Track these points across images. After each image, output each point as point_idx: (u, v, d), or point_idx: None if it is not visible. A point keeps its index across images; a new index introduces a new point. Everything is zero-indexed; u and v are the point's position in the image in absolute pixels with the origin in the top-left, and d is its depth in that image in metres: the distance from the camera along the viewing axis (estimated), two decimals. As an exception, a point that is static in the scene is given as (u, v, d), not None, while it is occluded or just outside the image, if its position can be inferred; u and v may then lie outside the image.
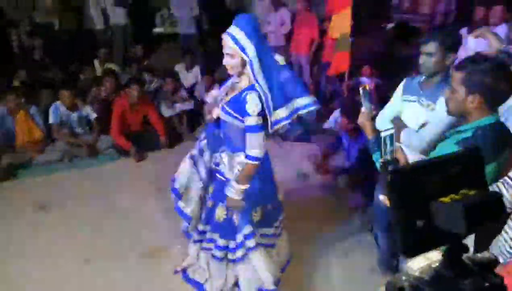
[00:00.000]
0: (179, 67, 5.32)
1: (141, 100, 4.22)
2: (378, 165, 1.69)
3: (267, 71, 1.95)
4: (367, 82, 4.68)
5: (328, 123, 4.45)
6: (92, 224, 3.11)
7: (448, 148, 1.48)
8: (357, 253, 2.89)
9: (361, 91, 1.85)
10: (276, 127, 2.02)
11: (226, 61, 1.96)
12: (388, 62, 5.73)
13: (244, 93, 1.95)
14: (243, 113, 1.95)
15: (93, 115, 4.23)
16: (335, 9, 4.46)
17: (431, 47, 1.92)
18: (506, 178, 1.45)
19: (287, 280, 2.60)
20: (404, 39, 6.32)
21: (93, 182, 3.74)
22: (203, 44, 6.07)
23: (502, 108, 1.55)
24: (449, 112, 1.59)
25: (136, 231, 3.01)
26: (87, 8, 5.84)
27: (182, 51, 5.56)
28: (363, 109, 1.86)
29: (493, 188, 1.43)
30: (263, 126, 1.97)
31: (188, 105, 4.70)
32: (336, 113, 4.32)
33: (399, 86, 2.21)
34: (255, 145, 1.98)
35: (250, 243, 2.16)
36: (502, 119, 1.57)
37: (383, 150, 1.51)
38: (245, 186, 2.06)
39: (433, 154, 1.61)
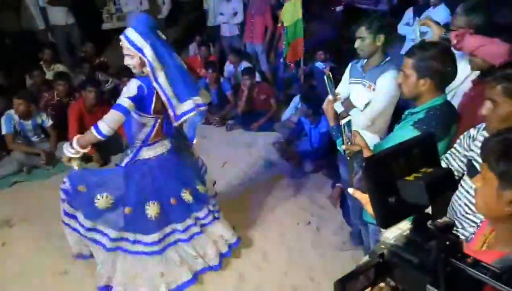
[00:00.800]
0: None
1: (98, 102, 4.10)
2: (341, 150, 1.84)
3: (168, 70, 2.08)
4: (321, 67, 4.86)
5: (287, 113, 4.57)
6: (61, 235, 3.00)
7: (406, 129, 1.64)
8: (327, 230, 3.06)
9: (325, 79, 1.99)
10: (182, 119, 2.18)
11: (126, 61, 2.10)
12: (340, 45, 5.95)
13: None
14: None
15: (49, 122, 4.05)
16: None
17: (361, 32, 2.12)
18: (452, 149, 1.64)
19: (262, 263, 2.73)
20: (354, 21, 6.60)
21: (56, 191, 3.59)
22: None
23: (447, 88, 1.73)
24: (403, 95, 1.75)
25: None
26: (25, 7, 5.49)
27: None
28: (329, 97, 2.00)
29: (442, 159, 1.62)
30: (127, 111, 2.07)
31: (148, 103, 4.62)
32: (296, 100, 4.47)
33: (346, 70, 2.40)
34: (107, 120, 2.08)
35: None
36: (448, 97, 1.76)
37: (344, 136, 1.64)
38: (78, 149, 2.14)
39: (392, 135, 1.78)
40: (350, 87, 2.30)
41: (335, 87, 2.14)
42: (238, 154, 4.17)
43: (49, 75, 4.91)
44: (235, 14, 5.45)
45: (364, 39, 2.10)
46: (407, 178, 0.72)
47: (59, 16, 5.40)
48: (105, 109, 4.11)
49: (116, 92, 4.67)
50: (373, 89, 2.13)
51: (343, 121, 1.63)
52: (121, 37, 2.06)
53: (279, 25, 4.90)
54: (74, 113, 4.02)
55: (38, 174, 3.87)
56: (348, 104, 2.24)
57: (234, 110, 4.80)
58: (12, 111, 3.86)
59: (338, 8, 7.30)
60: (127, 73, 4.66)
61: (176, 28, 6.65)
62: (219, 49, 5.78)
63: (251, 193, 3.51)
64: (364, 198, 1.07)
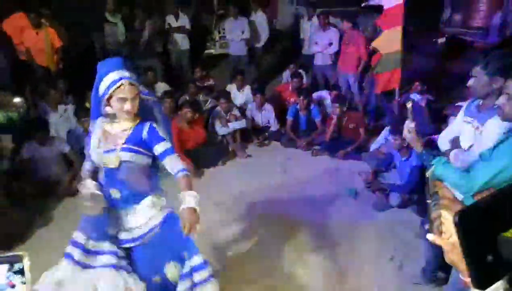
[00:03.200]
0: (230, 87, 5.59)
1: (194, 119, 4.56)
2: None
3: None
4: (418, 99, 4.67)
5: (376, 143, 4.46)
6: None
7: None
8: (411, 269, 2.88)
9: (409, 106, 1.99)
10: None
11: (133, 107, 1.84)
12: (439, 77, 5.64)
13: (146, 125, 1.92)
14: (158, 140, 1.91)
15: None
16: (385, 25, 4.44)
17: (475, 71, 1.97)
18: None
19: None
20: (456, 54, 6.20)
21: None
22: (255, 65, 6.37)
23: None
24: (504, 118, 1.70)
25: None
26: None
27: (233, 72, 5.85)
28: (412, 124, 1.96)
29: None
30: None
31: (241, 123, 4.95)
32: (387, 131, 4.34)
33: (462, 107, 2.26)
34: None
35: None
36: None
37: (430, 189, 1.56)
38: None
39: (495, 154, 1.69)
40: (462, 126, 2.16)
41: (427, 119, 2.10)
42: (321, 179, 4.20)
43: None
44: (331, 44, 5.57)
45: (479, 79, 1.97)
46: (506, 234, 0.70)
47: (177, 41, 6.12)
48: (201, 124, 4.66)
49: (214, 111, 5.12)
50: (481, 132, 1.99)
51: (428, 174, 1.57)
52: (125, 81, 1.82)
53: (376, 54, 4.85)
54: (175, 128, 4.50)
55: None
56: (455, 143, 2.14)
57: (322, 136, 4.86)
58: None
59: (440, 40, 6.96)
60: (224, 95, 5.15)
61: (271, 55, 7.04)
62: (311, 77, 5.93)
63: (330, 219, 3.51)
64: (446, 245, 1.00)
